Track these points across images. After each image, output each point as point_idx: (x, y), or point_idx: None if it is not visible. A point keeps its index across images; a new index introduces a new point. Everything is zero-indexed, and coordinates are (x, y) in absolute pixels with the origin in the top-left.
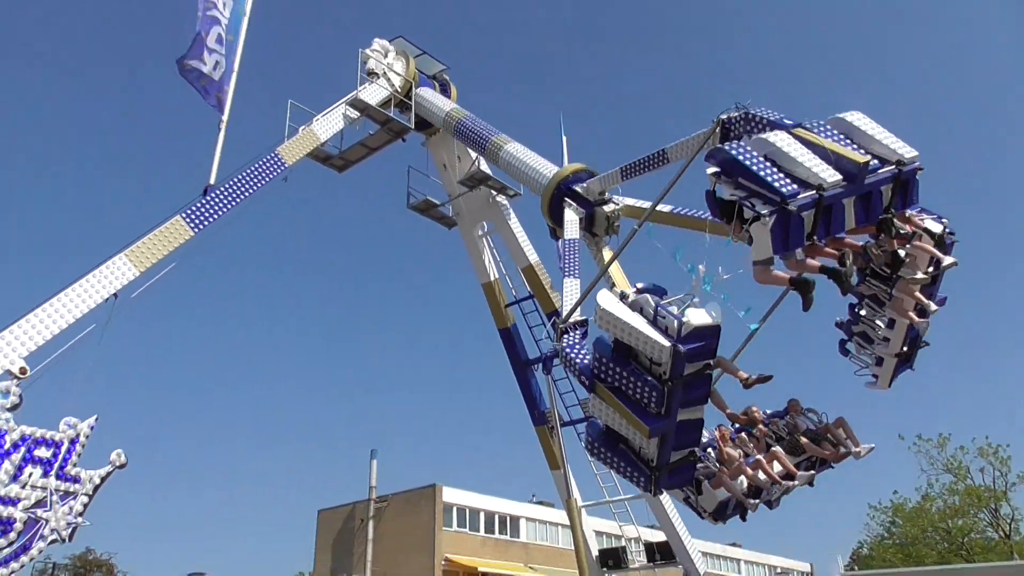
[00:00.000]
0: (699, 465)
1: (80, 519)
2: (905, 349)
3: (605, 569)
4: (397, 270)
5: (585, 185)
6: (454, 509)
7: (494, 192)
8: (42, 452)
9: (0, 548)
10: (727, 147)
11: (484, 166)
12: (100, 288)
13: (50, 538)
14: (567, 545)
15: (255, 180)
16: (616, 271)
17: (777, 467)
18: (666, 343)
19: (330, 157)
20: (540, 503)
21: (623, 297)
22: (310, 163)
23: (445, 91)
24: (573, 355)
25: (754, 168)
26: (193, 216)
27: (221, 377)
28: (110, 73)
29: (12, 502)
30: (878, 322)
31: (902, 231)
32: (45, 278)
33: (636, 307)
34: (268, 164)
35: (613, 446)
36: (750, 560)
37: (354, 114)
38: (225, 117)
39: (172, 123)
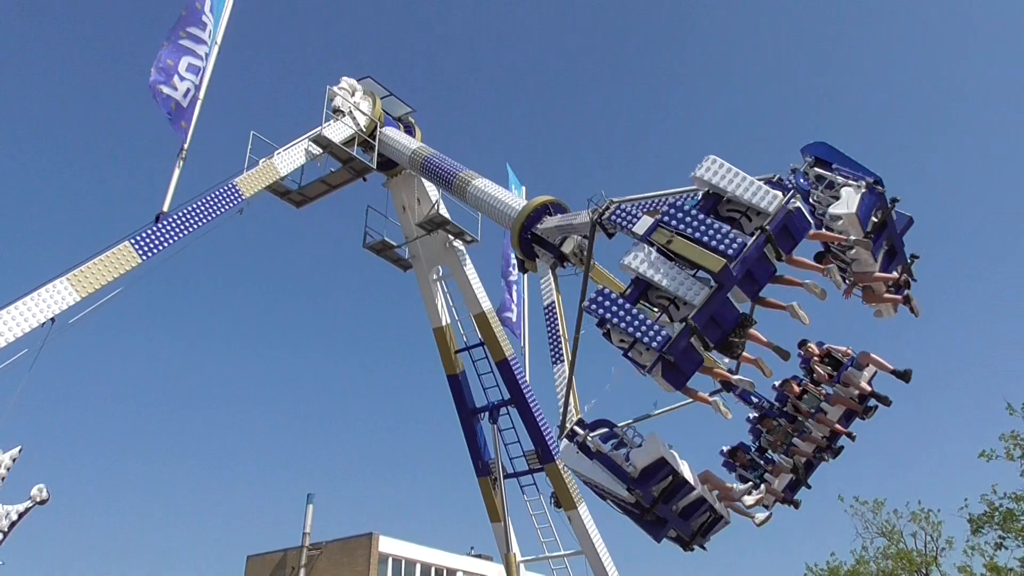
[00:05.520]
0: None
1: None
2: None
3: None
4: (346, 310)
5: (544, 227)
6: (390, 560)
7: (451, 236)
8: None
9: None
10: (592, 305)
11: (443, 210)
12: (37, 312)
13: None
14: None
15: (210, 210)
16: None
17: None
18: (625, 493)
19: (289, 192)
20: (479, 556)
21: (583, 446)
22: (268, 196)
23: (410, 133)
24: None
25: (622, 325)
26: (142, 243)
27: (155, 410)
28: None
29: None
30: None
31: (737, 353)
32: None
33: (593, 453)
34: (224, 195)
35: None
36: None
37: (316, 150)
38: (186, 145)
39: (129, 142)
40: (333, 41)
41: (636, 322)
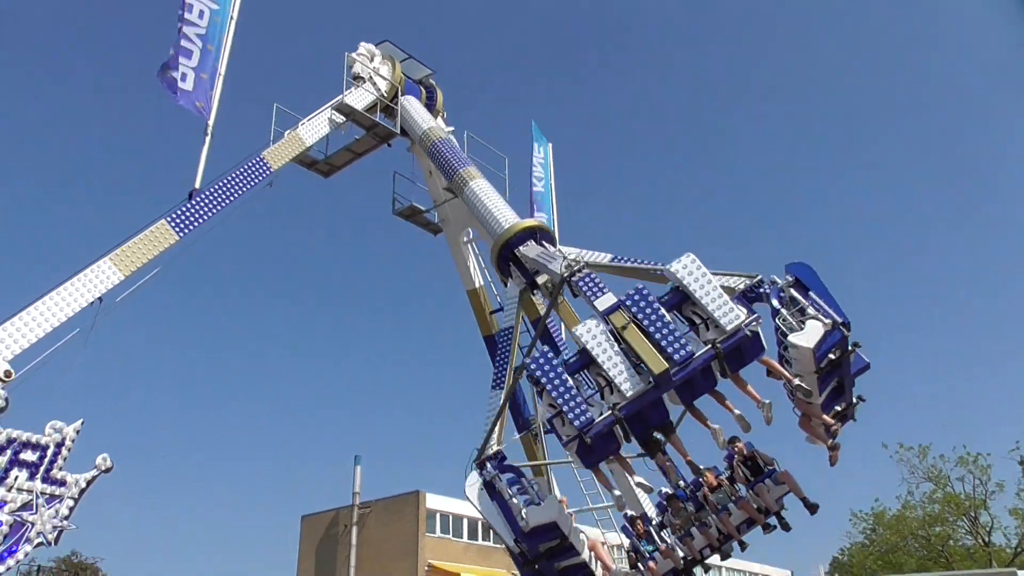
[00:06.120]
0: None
1: (66, 523)
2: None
3: None
4: (383, 276)
5: (522, 252)
6: (437, 515)
7: None
8: (28, 455)
9: None
10: (532, 365)
11: None
12: (85, 292)
13: (36, 541)
14: None
15: (240, 184)
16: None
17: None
18: (512, 543)
19: (315, 162)
20: None
21: (488, 484)
22: (295, 168)
23: (431, 95)
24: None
25: (553, 393)
26: (178, 220)
27: (206, 382)
28: (95, 73)
29: None
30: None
31: (655, 452)
32: (30, 283)
33: (495, 494)
34: (253, 168)
35: None
36: (730, 567)
37: (340, 119)
38: (211, 121)
39: (159, 126)
40: (348, 7)
41: (567, 395)
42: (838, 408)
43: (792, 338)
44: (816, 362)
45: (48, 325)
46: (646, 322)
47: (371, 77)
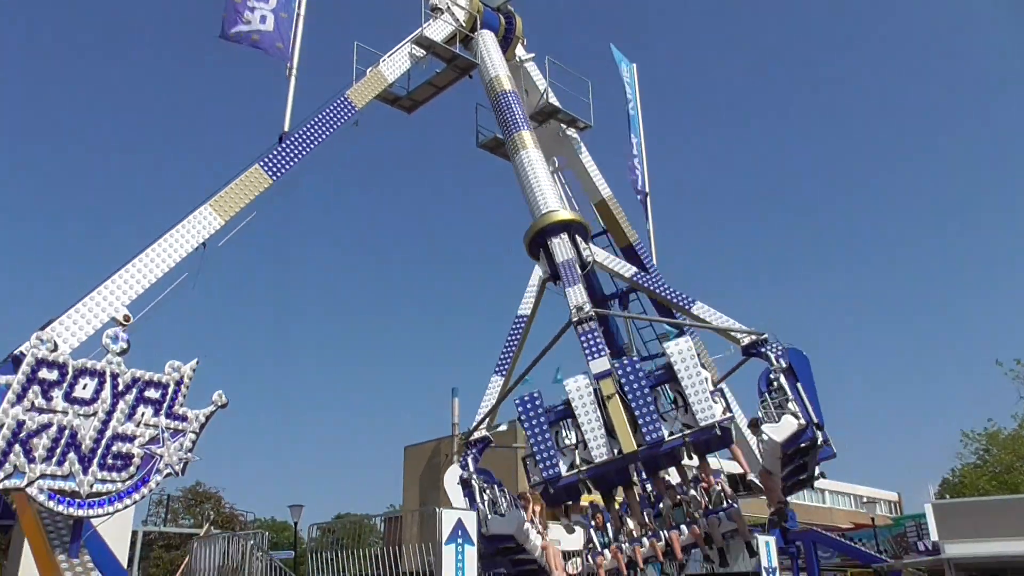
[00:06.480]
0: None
1: (190, 454)
2: None
3: None
4: (467, 210)
5: (552, 244)
6: None
7: (564, 125)
8: (151, 393)
9: (123, 481)
10: (520, 408)
11: (553, 99)
12: (189, 238)
13: (165, 472)
14: None
15: (327, 125)
16: None
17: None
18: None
19: (398, 98)
20: None
21: (465, 483)
22: (377, 105)
23: (510, 23)
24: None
25: (530, 439)
26: (270, 164)
27: (309, 322)
28: (178, 27)
29: (129, 439)
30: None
31: (613, 506)
32: (135, 233)
33: (466, 493)
34: (338, 108)
35: None
36: (836, 491)
37: (420, 52)
38: (294, 63)
39: (242, 76)
40: None
41: (542, 444)
42: (799, 478)
43: (766, 428)
44: (783, 451)
45: (159, 271)
46: (631, 396)
47: (449, 7)
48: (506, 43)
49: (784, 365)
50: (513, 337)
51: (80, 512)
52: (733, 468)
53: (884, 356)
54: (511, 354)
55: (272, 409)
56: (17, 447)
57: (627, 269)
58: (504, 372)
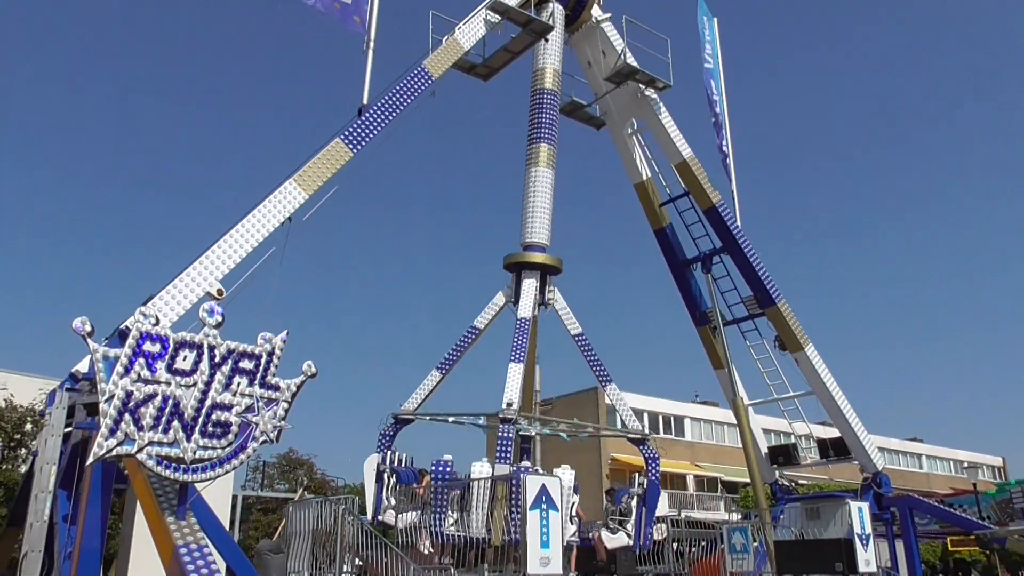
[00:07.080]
0: None
1: (284, 423)
2: None
3: (775, 466)
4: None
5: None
6: (616, 410)
7: (642, 86)
8: (246, 364)
9: (223, 447)
10: (437, 471)
11: (631, 59)
12: (276, 213)
13: (260, 439)
14: (733, 443)
15: (405, 96)
16: None
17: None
18: (369, 514)
19: (474, 66)
20: (704, 403)
21: (379, 474)
22: (452, 74)
23: None
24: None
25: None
26: (351, 137)
27: (394, 293)
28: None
29: (227, 408)
30: None
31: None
32: (224, 209)
33: (379, 479)
34: (416, 79)
35: None
36: (933, 455)
37: (495, 18)
38: (372, 36)
39: (320, 53)
40: None
41: (441, 503)
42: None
43: (603, 534)
44: (607, 553)
45: (248, 246)
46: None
47: None
48: (581, 4)
49: (641, 492)
50: (462, 344)
51: (185, 477)
52: (823, 434)
53: (990, 313)
54: (456, 358)
55: (356, 378)
56: (127, 416)
57: (575, 327)
58: (444, 371)
